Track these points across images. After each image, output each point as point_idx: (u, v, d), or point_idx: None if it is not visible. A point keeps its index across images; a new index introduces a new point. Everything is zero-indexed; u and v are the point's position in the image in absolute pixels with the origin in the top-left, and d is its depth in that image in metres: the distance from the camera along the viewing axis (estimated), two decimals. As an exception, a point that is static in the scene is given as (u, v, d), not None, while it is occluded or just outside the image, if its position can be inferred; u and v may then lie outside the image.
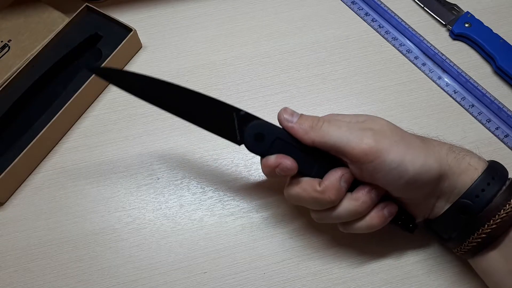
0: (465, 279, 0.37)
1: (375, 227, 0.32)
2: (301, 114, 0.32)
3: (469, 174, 0.30)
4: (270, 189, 0.41)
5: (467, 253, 0.32)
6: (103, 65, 0.43)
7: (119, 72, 0.34)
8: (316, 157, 0.32)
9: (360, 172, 0.30)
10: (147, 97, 0.32)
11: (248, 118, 0.32)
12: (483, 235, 0.30)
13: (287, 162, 0.31)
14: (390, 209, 0.32)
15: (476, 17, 0.49)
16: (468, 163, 0.31)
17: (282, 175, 0.32)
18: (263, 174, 0.41)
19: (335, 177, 0.31)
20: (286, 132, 0.32)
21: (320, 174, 0.32)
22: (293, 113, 0.32)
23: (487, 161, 0.32)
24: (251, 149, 0.32)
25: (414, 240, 0.38)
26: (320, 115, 0.44)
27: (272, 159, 0.31)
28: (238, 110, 0.32)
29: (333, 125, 0.30)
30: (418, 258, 0.38)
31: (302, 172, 0.32)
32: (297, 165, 0.31)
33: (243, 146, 0.33)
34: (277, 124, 0.32)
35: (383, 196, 0.32)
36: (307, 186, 0.31)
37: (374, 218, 0.32)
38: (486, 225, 0.30)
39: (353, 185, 0.32)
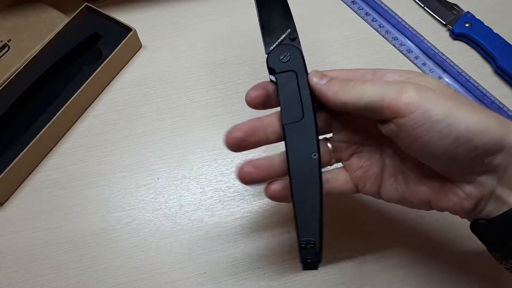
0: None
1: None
2: (333, 78, 0.29)
3: None
4: (270, 189, 0.41)
5: None
6: (102, 65, 0.43)
7: None
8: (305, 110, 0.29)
9: (397, 131, 0.25)
10: None
11: (292, 38, 0.31)
12: None
13: (252, 92, 0.30)
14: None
15: (477, 17, 0.49)
16: None
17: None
18: (267, 60, 0.40)
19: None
20: (307, 80, 0.29)
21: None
22: (323, 76, 0.29)
23: None
24: (269, 60, 0.31)
25: (416, 241, 0.38)
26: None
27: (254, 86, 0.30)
28: (292, 30, 0.32)
29: (367, 83, 0.26)
30: (422, 258, 0.38)
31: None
32: (256, 101, 0.30)
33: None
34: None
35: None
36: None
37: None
38: None
39: None
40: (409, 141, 0.25)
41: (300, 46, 0.31)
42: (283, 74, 0.30)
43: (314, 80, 0.29)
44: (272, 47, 0.31)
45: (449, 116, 0.24)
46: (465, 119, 0.24)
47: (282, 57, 0.30)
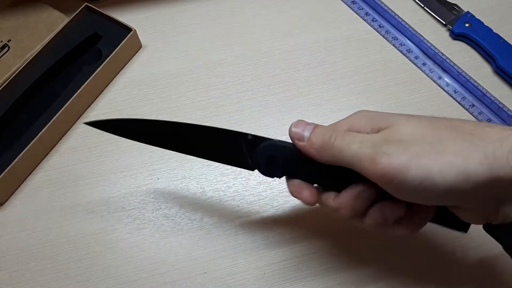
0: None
1: (407, 233, 0.29)
2: (315, 127, 0.29)
3: None
4: (270, 190, 0.41)
5: None
6: (102, 65, 0.43)
7: (113, 121, 0.33)
8: (334, 172, 0.28)
9: (385, 190, 0.26)
10: (149, 141, 0.32)
11: (256, 141, 0.30)
12: None
13: (305, 195, 0.29)
14: (423, 216, 0.28)
15: (477, 16, 0.49)
16: None
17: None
18: (262, 174, 0.41)
19: (348, 196, 0.28)
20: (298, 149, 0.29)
21: (341, 188, 0.29)
22: (305, 127, 0.29)
23: None
24: (266, 174, 0.31)
25: (420, 244, 0.38)
26: (320, 115, 0.44)
27: (292, 188, 0.30)
28: (244, 135, 0.30)
29: (345, 141, 0.27)
30: (428, 258, 0.38)
31: (323, 188, 0.30)
32: (315, 198, 0.29)
33: (257, 171, 0.31)
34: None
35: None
36: (325, 200, 0.29)
37: (401, 228, 0.28)
38: None
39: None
40: (398, 196, 0.26)
41: (261, 136, 0.30)
42: (286, 170, 0.30)
43: (294, 134, 0.29)
44: (250, 164, 0.31)
45: (426, 178, 0.24)
46: (442, 175, 0.24)
47: (271, 163, 0.30)
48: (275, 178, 0.31)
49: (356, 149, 0.26)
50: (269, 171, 0.30)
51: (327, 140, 0.27)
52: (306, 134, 0.28)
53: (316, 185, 0.30)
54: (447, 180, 0.24)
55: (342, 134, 0.27)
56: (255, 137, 0.30)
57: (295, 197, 0.30)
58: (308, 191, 0.29)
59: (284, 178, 0.31)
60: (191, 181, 0.41)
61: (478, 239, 0.37)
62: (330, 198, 0.29)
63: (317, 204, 0.30)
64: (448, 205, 0.27)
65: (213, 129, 0.31)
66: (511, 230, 0.27)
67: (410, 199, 0.26)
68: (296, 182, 0.30)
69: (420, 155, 0.24)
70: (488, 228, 0.29)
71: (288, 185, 0.31)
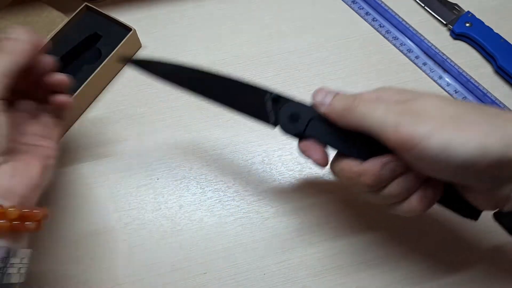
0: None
1: (418, 211, 0.29)
2: (336, 94, 0.30)
3: None
4: (270, 190, 0.41)
5: None
6: (102, 64, 0.43)
7: (148, 61, 0.34)
8: (357, 138, 0.29)
9: (404, 160, 0.27)
10: (180, 83, 0.33)
11: (281, 99, 0.32)
12: None
13: (317, 156, 0.30)
14: (433, 191, 0.29)
15: (477, 16, 0.49)
16: None
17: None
18: (263, 174, 0.41)
19: (376, 163, 0.28)
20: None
21: (363, 156, 0.29)
22: (327, 93, 0.30)
23: None
24: (286, 130, 0.31)
25: (422, 243, 0.38)
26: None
27: (304, 147, 0.31)
28: (270, 92, 0.32)
29: (369, 107, 0.27)
30: (426, 257, 0.38)
31: (342, 153, 0.30)
32: (326, 160, 0.31)
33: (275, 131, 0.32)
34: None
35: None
36: (345, 166, 0.30)
37: (414, 201, 0.28)
38: None
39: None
40: (415, 167, 0.27)
41: (287, 96, 0.31)
42: (309, 128, 0.31)
43: (317, 100, 0.30)
44: (273, 120, 0.32)
45: (447, 148, 0.25)
46: (463, 146, 0.24)
47: (292, 120, 0.31)
48: (292, 137, 0.31)
49: (380, 115, 0.26)
50: (290, 129, 0.31)
51: (350, 105, 0.28)
52: (327, 100, 0.29)
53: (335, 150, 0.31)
54: (466, 151, 0.24)
55: (366, 100, 0.28)
56: (280, 95, 0.32)
57: (306, 156, 0.31)
58: (321, 152, 0.30)
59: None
60: (191, 181, 0.41)
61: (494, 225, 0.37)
62: (353, 164, 0.29)
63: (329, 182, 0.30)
64: (462, 182, 0.27)
65: (240, 81, 0.32)
66: None
67: (427, 170, 0.27)
68: (309, 142, 0.31)
69: (443, 126, 0.25)
70: (498, 217, 0.29)
71: (299, 145, 0.31)
